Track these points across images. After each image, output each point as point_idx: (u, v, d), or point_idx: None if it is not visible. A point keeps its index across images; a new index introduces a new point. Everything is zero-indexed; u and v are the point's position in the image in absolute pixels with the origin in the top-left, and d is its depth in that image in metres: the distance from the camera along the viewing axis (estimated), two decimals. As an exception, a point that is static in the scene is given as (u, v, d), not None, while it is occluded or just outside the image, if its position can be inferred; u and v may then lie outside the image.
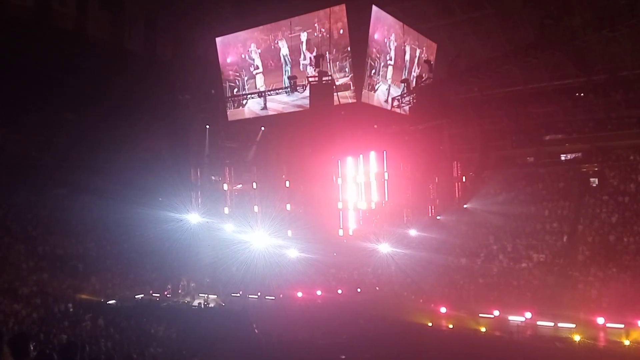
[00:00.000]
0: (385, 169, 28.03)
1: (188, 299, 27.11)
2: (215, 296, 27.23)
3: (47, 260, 24.48)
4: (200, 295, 27.48)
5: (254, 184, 30.33)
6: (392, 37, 23.51)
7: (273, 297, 26.86)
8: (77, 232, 27.04)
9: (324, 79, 20.58)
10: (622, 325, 19.77)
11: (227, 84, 25.89)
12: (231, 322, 23.28)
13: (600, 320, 20.24)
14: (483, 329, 21.99)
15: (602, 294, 21.98)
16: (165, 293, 27.19)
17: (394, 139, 28.18)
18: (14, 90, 22.50)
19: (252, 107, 25.44)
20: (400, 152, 28.28)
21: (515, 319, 21.85)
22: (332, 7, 21.50)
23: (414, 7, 24.86)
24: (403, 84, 24.09)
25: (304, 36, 22.72)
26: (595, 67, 26.59)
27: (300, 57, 23.06)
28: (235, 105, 26.08)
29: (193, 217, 28.39)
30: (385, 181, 27.96)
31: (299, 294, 26.76)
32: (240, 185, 31.78)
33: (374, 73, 22.99)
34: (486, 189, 30.11)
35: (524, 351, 19.86)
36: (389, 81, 24.18)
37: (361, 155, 27.58)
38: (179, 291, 27.76)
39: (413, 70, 25.44)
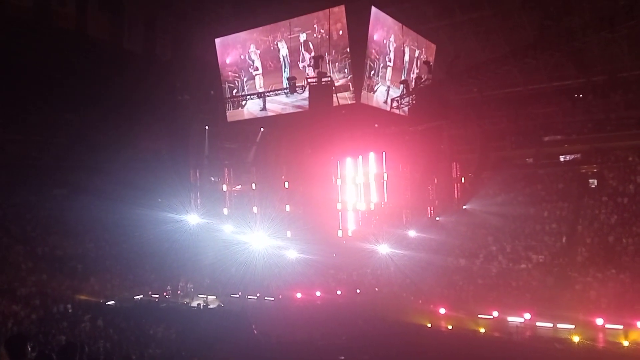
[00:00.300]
0: (384, 170, 28.05)
1: (187, 300, 27.10)
2: (215, 297, 27.23)
3: (46, 261, 24.45)
4: (199, 296, 27.48)
5: (253, 185, 30.34)
6: (392, 38, 23.51)
7: (272, 298, 26.85)
8: (76, 232, 27.03)
9: (323, 80, 20.57)
10: (621, 326, 19.81)
11: (227, 84, 25.88)
12: (230, 323, 23.26)
13: (599, 321, 20.28)
14: (482, 330, 21.98)
15: (601, 294, 22.01)
16: (165, 294, 27.18)
17: (393, 140, 28.19)
18: (14, 90, 22.50)
19: (252, 108, 25.43)
20: (400, 153, 28.30)
21: (514, 319, 21.85)
22: (332, 8, 21.48)
23: (413, 8, 24.86)
24: (402, 85, 24.09)
25: (303, 37, 22.73)
26: (595, 68, 26.59)
27: (299, 58, 23.06)
28: (235, 106, 26.07)
29: (192, 218, 28.38)
30: (385, 182, 27.98)
31: (298, 295, 26.75)
32: (240, 186, 31.78)
33: (373, 74, 22.98)
34: (485, 190, 30.13)
35: (523, 352, 19.84)
36: (388, 82, 24.18)
37: (360, 156, 27.60)
38: (178, 292, 27.74)
39: (412, 71, 25.45)
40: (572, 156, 29.53)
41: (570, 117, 28.85)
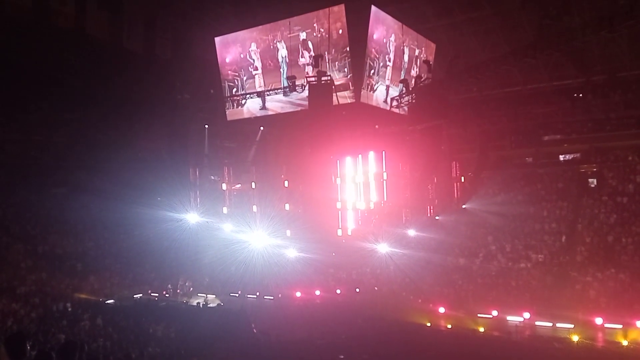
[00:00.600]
0: (384, 169, 28.01)
1: (185, 299, 27.12)
2: (214, 296, 27.25)
3: (45, 260, 24.47)
4: (199, 295, 27.49)
5: (253, 184, 30.33)
6: (392, 38, 23.51)
7: (272, 297, 26.88)
8: (76, 231, 27.06)
9: (323, 79, 20.59)
10: (620, 326, 19.84)
11: (226, 83, 25.88)
12: (230, 322, 23.29)
13: (599, 321, 20.30)
14: (481, 329, 22.03)
15: (600, 294, 22.04)
16: (164, 293, 27.19)
17: (392, 139, 28.16)
18: (13, 89, 22.49)
19: (251, 107, 25.44)
20: (399, 152, 28.25)
21: (513, 319, 21.90)
22: (331, 7, 21.48)
23: (413, 7, 24.88)
24: (402, 84, 24.09)
25: (303, 36, 22.72)
26: (594, 68, 26.61)
27: (299, 57, 23.06)
28: (234, 105, 26.07)
29: (192, 217, 28.38)
30: (384, 181, 27.93)
31: (298, 294, 26.78)
32: (239, 185, 31.76)
33: (373, 73, 22.99)
34: (485, 189, 30.14)
35: (522, 351, 19.90)
36: (388, 81, 24.18)
37: (360, 155, 27.54)
38: (177, 291, 27.77)
39: (412, 70, 25.45)
40: (572, 156, 29.51)
41: (569, 116, 28.83)
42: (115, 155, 26.44)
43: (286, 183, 29.00)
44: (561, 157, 29.87)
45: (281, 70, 23.68)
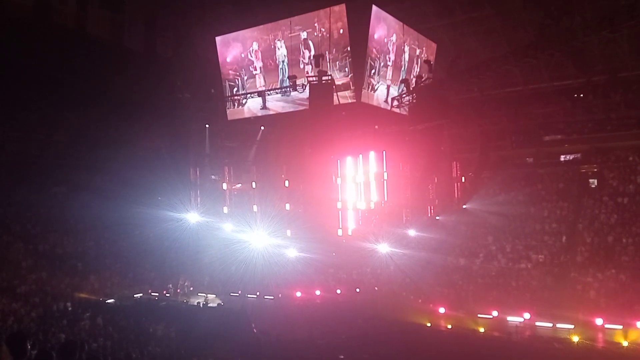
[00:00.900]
0: (384, 169, 27.98)
1: (186, 299, 27.11)
2: (214, 295, 27.24)
3: (46, 259, 24.48)
4: (199, 294, 27.48)
5: (254, 184, 30.30)
6: (392, 37, 23.49)
7: (272, 297, 26.87)
8: (76, 230, 27.06)
9: (323, 78, 20.58)
10: (620, 326, 19.83)
11: (227, 83, 25.88)
12: (230, 322, 23.29)
13: (599, 321, 20.29)
14: (482, 330, 22.01)
15: (600, 294, 22.03)
16: (164, 292, 27.19)
17: (393, 139, 28.12)
18: (14, 88, 22.48)
19: (252, 106, 25.43)
20: (400, 152, 28.22)
21: (513, 319, 21.88)
22: (332, 6, 21.46)
23: (414, 7, 24.85)
24: (403, 84, 24.07)
25: (303, 36, 22.71)
26: (595, 68, 26.53)
27: (299, 57, 23.05)
28: (235, 104, 26.06)
29: (192, 217, 28.37)
30: (385, 181, 27.91)
31: (298, 294, 26.77)
32: (240, 185, 31.74)
33: (374, 73, 22.97)
34: (485, 190, 30.13)
35: (522, 352, 19.88)
36: (389, 81, 24.17)
37: (360, 155, 27.53)
38: (178, 290, 27.77)
39: (413, 70, 25.43)
40: (572, 156, 29.50)
41: (570, 116, 28.78)
42: (116, 155, 26.43)
43: (287, 183, 28.98)
44: (562, 158, 29.85)
45: (279, 70, 23.66)
